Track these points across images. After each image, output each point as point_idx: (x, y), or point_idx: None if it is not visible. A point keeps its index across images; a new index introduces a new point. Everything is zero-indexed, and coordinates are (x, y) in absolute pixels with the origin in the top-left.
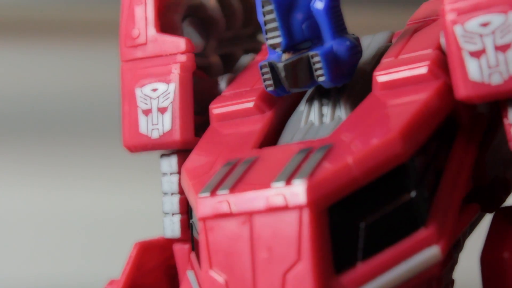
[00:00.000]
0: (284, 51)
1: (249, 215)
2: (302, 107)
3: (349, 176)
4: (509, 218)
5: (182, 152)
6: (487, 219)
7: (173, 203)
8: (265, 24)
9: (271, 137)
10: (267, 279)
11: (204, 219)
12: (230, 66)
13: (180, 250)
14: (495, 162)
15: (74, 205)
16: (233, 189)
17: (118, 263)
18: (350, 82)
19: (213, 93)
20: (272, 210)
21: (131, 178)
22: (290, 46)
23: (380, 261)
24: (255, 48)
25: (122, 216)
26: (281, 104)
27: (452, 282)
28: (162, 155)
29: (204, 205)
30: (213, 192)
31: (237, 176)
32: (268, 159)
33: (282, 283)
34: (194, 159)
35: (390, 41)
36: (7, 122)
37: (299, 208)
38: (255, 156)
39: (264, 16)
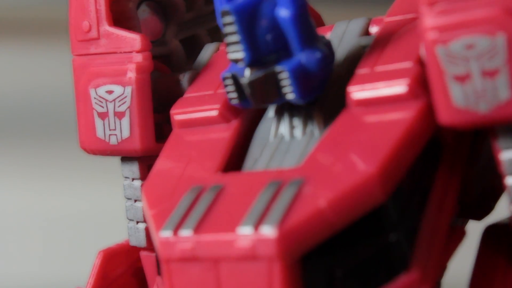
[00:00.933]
0: (247, 66)
1: (215, 261)
2: (271, 113)
3: (323, 222)
4: (498, 242)
5: (144, 157)
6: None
7: (137, 210)
8: (225, 36)
9: (239, 148)
10: None
11: (167, 261)
12: (193, 50)
13: (147, 258)
14: (483, 172)
15: (54, 206)
16: (197, 229)
17: None
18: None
19: (175, 91)
20: (239, 258)
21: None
22: (254, 61)
23: None
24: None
25: (105, 216)
26: (248, 114)
27: None
28: (123, 159)
29: (167, 246)
30: (175, 232)
31: (201, 212)
32: (235, 191)
33: None
34: (156, 175)
35: (367, 31)
36: None
37: (269, 259)
38: (220, 185)
39: (224, 27)
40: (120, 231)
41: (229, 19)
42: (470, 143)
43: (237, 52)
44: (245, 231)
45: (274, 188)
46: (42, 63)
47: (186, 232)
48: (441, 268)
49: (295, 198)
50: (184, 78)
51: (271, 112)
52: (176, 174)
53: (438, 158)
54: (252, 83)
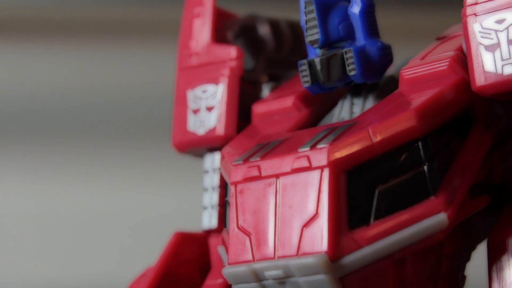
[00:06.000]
0: (321, 47)
1: (276, 177)
2: (336, 108)
3: (367, 144)
4: None
5: None
6: None
7: (213, 197)
8: (306, 23)
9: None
10: (287, 232)
11: (235, 183)
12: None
13: (216, 243)
14: (509, 166)
15: (82, 205)
16: (264, 157)
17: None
18: (381, 86)
19: (257, 99)
20: (297, 170)
21: (140, 180)
22: (327, 43)
23: (391, 222)
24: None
25: (134, 217)
26: (318, 106)
27: (463, 277)
28: (206, 154)
29: (237, 171)
30: (245, 160)
31: (269, 149)
32: (297, 136)
33: (300, 235)
34: (231, 146)
35: None
36: (13, 122)
37: (321, 168)
38: (286, 137)
39: (305, 16)
40: (122, 232)
41: (310, 7)
42: (499, 129)
43: (314, 35)
44: (303, 149)
45: (331, 129)
46: (93, 63)
47: (254, 159)
48: (464, 213)
49: (346, 130)
50: (266, 88)
51: (336, 108)
52: (250, 141)
53: (466, 135)
54: (322, 60)
